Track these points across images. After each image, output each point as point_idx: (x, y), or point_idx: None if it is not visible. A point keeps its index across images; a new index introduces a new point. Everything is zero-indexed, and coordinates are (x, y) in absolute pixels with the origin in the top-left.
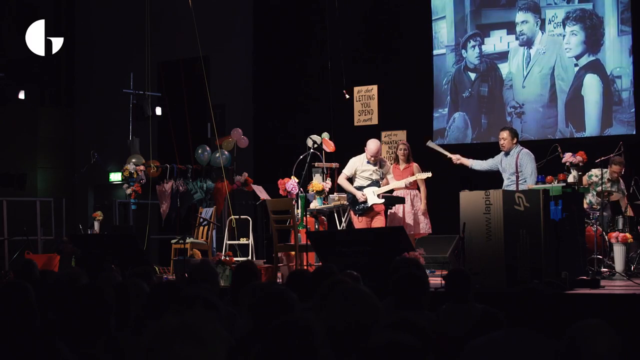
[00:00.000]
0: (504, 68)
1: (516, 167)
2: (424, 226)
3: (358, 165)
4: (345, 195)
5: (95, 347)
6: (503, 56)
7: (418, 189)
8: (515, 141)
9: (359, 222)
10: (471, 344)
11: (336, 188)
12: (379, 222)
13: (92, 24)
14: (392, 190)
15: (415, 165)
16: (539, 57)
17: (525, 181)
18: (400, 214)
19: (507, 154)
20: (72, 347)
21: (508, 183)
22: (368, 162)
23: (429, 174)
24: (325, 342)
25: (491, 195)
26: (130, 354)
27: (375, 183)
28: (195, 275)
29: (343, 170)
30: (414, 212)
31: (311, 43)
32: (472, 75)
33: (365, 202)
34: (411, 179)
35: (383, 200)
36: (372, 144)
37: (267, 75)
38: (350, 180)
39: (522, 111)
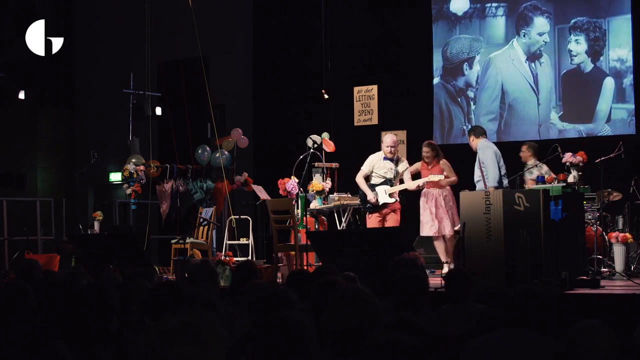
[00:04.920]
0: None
1: (479, 163)
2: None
3: (375, 161)
4: (346, 195)
5: (96, 346)
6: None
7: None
8: (480, 139)
9: (369, 219)
10: (471, 344)
11: (336, 188)
12: (392, 220)
13: (92, 24)
14: (405, 190)
15: (443, 162)
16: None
17: (487, 175)
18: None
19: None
20: (72, 347)
21: (477, 179)
22: (385, 159)
23: (442, 177)
24: (315, 339)
25: (491, 195)
26: (131, 353)
27: (388, 182)
28: (195, 275)
29: (361, 167)
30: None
31: (311, 43)
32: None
33: (376, 203)
34: (422, 180)
35: (394, 200)
36: (387, 136)
37: (267, 75)
38: (368, 178)
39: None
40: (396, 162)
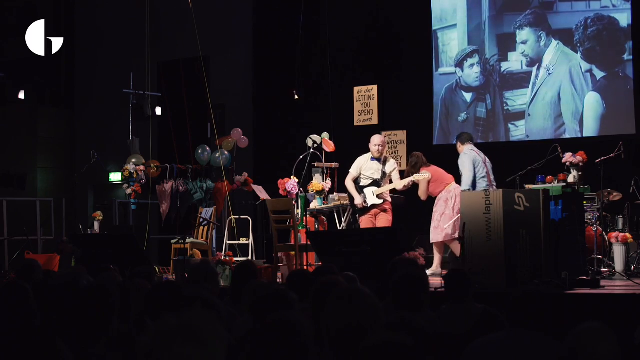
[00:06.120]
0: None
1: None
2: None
3: (363, 163)
4: (346, 195)
5: (96, 346)
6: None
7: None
8: (465, 145)
9: (361, 222)
10: (473, 344)
11: (336, 188)
12: (382, 220)
13: (92, 24)
14: (395, 190)
15: (433, 168)
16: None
17: (462, 179)
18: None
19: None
20: (73, 346)
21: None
22: (372, 159)
23: (427, 174)
24: (314, 339)
25: (491, 195)
26: (131, 353)
27: (376, 183)
28: (195, 276)
29: (350, 170)
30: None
31: (311, 43)
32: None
33: (362, 207)
34: (407, 180)
35: (382, 201)
36: (375, 136)
37: (267, 75)
38: (357, 180)
39: (529, 113)
40: (383, 162)
